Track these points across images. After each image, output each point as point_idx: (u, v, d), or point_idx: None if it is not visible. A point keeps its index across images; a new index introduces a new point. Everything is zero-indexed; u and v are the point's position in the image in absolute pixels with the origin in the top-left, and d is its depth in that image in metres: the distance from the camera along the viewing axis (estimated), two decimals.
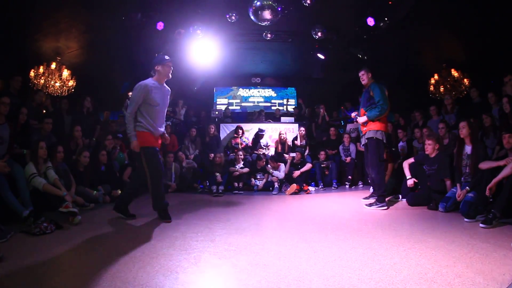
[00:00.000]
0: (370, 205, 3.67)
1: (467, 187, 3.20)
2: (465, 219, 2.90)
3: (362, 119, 3.80)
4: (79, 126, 4.75)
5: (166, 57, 3.07)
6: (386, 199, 3.75)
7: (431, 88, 7.82)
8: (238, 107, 9.98)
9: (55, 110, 5.37)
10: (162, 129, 3.18)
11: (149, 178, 3.01)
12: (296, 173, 5.37)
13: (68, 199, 3.17)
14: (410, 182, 3.76)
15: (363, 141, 3.89)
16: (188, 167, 5.67)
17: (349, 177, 5.63)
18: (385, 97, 3.65)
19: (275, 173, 5.35)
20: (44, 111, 5.34)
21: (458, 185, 3.42)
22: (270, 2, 5.18)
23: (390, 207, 3.75)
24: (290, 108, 9.59)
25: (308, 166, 5.50)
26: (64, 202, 3.07)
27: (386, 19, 6.06)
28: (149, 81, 3.02)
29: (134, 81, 3.61)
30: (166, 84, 3.18)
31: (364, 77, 3.84)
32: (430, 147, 3.81)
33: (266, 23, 5.44)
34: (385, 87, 3.74)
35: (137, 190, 3.34)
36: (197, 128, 7.27)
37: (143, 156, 2.98)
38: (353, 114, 4.05)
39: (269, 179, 5.40)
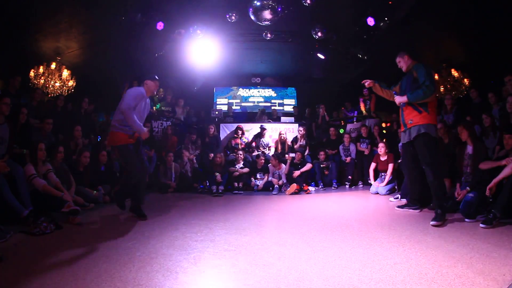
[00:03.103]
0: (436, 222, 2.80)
1: (468, 187, 3.20)
2: (466, 219, 2.90)
3: (401, 98, 3.11)
4: (79, 126, 4.76)
5: (156, 77, 3.32)
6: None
7: None
8: (238, 107, 9.98)
9: (61, 110, 5.39)
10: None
11: (130, 173, 3.16)
12: (296, 173, 5.37)
13: (67, 199, 3.17)
14: None
15: (406, 138, 3.17)
16: (190, 160, 5.71)
17: (349, 177, 5.63)
18: (432, 77, 3.02)
19: (276, 175, 5.35)
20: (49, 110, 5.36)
21: (458, 184, 3.42)
22: (270, 2, 5.18)
23: (391, 207, 3.75)
24: (289, 108, 9.61)
25: (308, 166, 5.50)
26: (65, 203, 3.07)
27: (386, 19, 6.06)
28: (141, 89, 3.25)
29: (133, 81, 3.65)
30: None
31: (401, 64, 3.27)
32: None
33: (266, 23, 5.44)
34: (430, 69, 3.10)
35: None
36: (197, 128, 7.27)
37: (120, 154, 3.16)
38: (396, 99, 3.23)
39: (269, 179, 5.39)
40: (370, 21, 6.11)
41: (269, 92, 10.18)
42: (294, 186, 4.94)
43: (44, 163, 3.49)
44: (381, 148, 4.98)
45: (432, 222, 2.78)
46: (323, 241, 2.33)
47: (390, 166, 4.82)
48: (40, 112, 5.10)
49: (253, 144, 6.53)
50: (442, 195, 3.03)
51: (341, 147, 6.07)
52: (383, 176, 4.91)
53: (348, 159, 5.76)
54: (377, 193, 4.76)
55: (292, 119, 7.84)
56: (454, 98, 6.06)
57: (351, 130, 6.81)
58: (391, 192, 4.75)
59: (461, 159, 3.45)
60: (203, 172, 5.64)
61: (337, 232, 2.57)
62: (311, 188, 5.31)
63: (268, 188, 5.31)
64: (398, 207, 3.57)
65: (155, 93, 3.49)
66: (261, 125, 6.74)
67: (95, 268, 1.81)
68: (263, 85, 10.13)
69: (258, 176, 5.52)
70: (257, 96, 10.16)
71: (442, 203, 2.94)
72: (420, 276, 1.64)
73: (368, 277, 1.65)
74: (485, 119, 4.29)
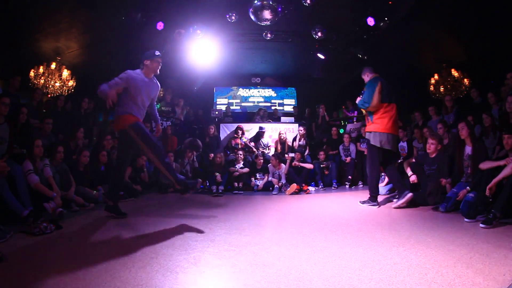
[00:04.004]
0: (363, 202, 3.82)
1: (468, 187, 3.20)
2: (465, 219, 2.89)
3: (356, 101, 3.85)
4: (81, 127, 4.78)
5: (156, 53, 3.05)
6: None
7: (431, 88, 7.82)
8: (238, 107, 9.97)
9: (61, 110, 5.39)
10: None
11: (153, 153, 2.82)
12: (295, 163, 5.40)
13: (57, 202, 3.17)
14: (412, 178, 3.80)
15: None
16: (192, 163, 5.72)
17: (349, 177, 5.62)
18: (370, 93, 3.58)
19: (276, 176, 5.35)
20: (44, 110, 5.36)
21: (444, 180, 3.58)
22: (270, 2, 5.18)
23: (391, 207, 3.75)
24: (289, 108, 9.61)
25: (309, 165, 5.50)
26: (50, 201, 3.11)
27: (386, 19, 6.06)
28: (136, 71, 3.01)
29: None
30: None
31: (365, 79, 3.83)
32: (433, 147, 3.80)
33: (266, 23, 5.44)
34: (378, 82, 3.60)
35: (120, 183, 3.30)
36: (197, 128, 7.26)
37: (134, 134, 2.83)
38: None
39: (269, 179, 5.39)
40: (370, 21, 6.11)
41: (269, 92, 10.18)
42: (294, 186, 4.94)
43: (42, 159, 3.50)
44: None
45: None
46: (323, 241, 2.33)
47: None
48: (40, 112, 5.10)
49: (251, 144, 6.53)
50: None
51: (341, 147, 6.07)
52: (383, 176, 4.89)
53: (348, 159, 5.76)
54: None
55: (292, 119, 7.84)
56: (454, 98, 6.07)
57: (351, 130, 6.81)
58: (391, 192, 4.74)
59: (460, 159, 3.45)
60: (203, 172, 5.64)
61: (337, 232, 2.57)
62: (311, 188, 5.30)
63: (268, 188, 5.31)
64: (361, 202, 3.85)
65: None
66: (260, 127, 6.73)
67: (95, 268, 1.81)
68: (263, 85, 10.12)
69: (258, 176, 5.52)
70: (257, 96, 10.15)
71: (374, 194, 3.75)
72: (420, 276, 1.64)
73: (368, 277, 1.65)
74: (485, 119, 4.29)
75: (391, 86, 3.70)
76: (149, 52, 3.07)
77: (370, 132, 3.68)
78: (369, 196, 3.80)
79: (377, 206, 3.72)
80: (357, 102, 3.82)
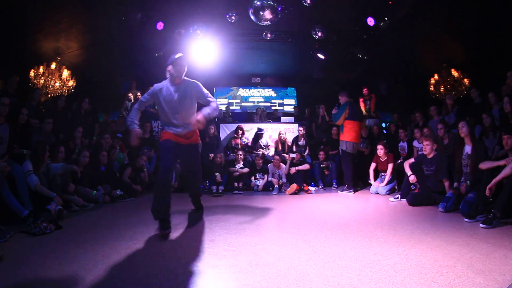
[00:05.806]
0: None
1: (468, 182, 3.22)
2: (465, 219, 2.90)
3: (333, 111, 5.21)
4: (80, 127, 4.78)
5: (176, 56, 2.82)
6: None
7: (431, 88, 7.81)
8: (238, 107, 9.97)
9: (61, 110, 5.39)
10: (186, 129, 2.86)
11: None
12: (292, 169, 5.36)
13: (57, 201, 3.18)
14: (412, 178, 3.82)
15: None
16: None
17: None
18: (339, 114, 4.90)
19: (276, 176, 5.35)
20: (44, 110, 5.36)
21: (456, 184, 3.49)
22: (270, 2, 5.19)
23: (391, 207, 3.75)
24: (289, 108, 9.61)
25: (305, 166, 5.49)
26: (52, 203, 3.13)
27: (386, 19, 6.05)
28: (162, 83, 2.88)
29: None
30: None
31: (340, 101, 5.01)
32: (428, 147, 3.83)
33: (266, 23, 5.44)
34: (347, 107, 4.83)
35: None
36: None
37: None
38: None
39: (269, 179, 5.39)
40: (370, 21, 6.10)
41: (269, 92, 10.17)
42: (294, 186, 4.94)
43: (44, 162, 3.51)
44: (380, 151, 4.94)
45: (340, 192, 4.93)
46: (323, 241, 2.33)
47: (390, 166, 4.82)
48: (40, 112, 5.10)
49: (249, 144, 6.52)
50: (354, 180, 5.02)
51: None
52: (383, 176, 4.90)
53: None
54: (377, 193, 4.75)
55: (292, 119, 7.83)
56: (454, 98, 6.07)
57: None
58: (391, 192, 4.75)
59: (459, 159, 3.46)
60: (203, 172, 5.63)
61: (337, 232, 2.57)
62: (311, 188, 5.30)
63: (268, 188, 5.30)
64: (340, 191, 4.99)
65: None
66: (258, 128, 6.71)
67: (95, 268, 1.81)
68: (263, 85, 10.12)
69: (258, 176, 5.51)
70: (257, 96, 10.15)
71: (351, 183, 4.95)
72: (420, 276, 1.64)
73: (368, 277, 1.65)
74: (485, 119, 4.29)
75: (359, 109, 5.23)
76: (170, 58, 2.87)
77: (342, 140, 4.95)
78: (347, 186, 4.97)
79: (353, 193, 4.83)
80: (332, 113, 5.15)
